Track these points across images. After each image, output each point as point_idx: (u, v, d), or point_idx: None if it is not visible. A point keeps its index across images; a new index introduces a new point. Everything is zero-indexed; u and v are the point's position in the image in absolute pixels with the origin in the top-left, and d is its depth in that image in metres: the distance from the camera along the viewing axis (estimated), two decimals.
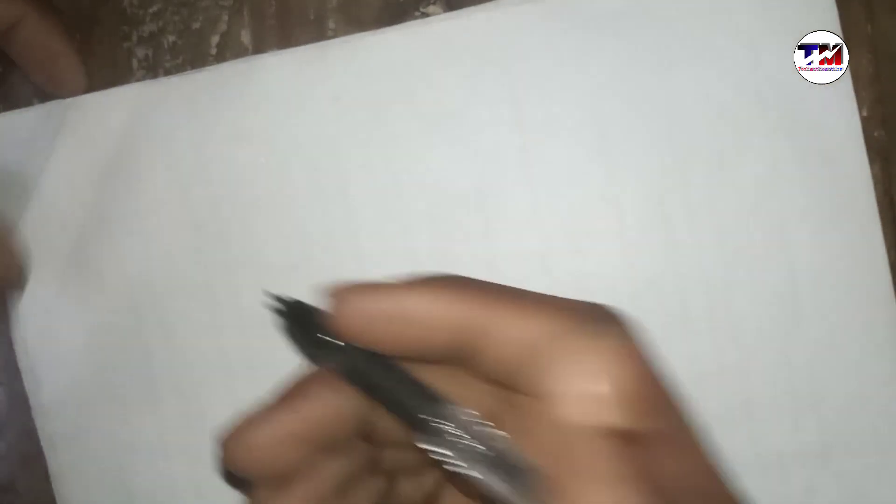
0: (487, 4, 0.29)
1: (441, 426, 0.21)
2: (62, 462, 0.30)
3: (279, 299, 0.24)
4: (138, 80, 0.30)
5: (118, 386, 0.30)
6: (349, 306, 0.22)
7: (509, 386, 0.21)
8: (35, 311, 0.30)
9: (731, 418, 0.29)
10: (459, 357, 0.21)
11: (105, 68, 0.30)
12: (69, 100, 0.29)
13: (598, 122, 0.29)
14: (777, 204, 0.29)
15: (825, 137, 0.29)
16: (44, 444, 0.30)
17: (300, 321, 0.23)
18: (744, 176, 0.29)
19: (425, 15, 0.30)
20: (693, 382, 0.29)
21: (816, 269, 0.29)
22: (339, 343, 0.22)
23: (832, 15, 0.28)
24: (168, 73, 0.30)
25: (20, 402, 0.30)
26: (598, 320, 0.21)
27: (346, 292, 0.22)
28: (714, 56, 0.29)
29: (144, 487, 0.30)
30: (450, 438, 0.21)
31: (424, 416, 0.21)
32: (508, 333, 0.21)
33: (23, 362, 0.30)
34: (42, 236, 0.29)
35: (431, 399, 0.21)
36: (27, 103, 0.30)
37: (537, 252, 0.29)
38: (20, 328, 0.30)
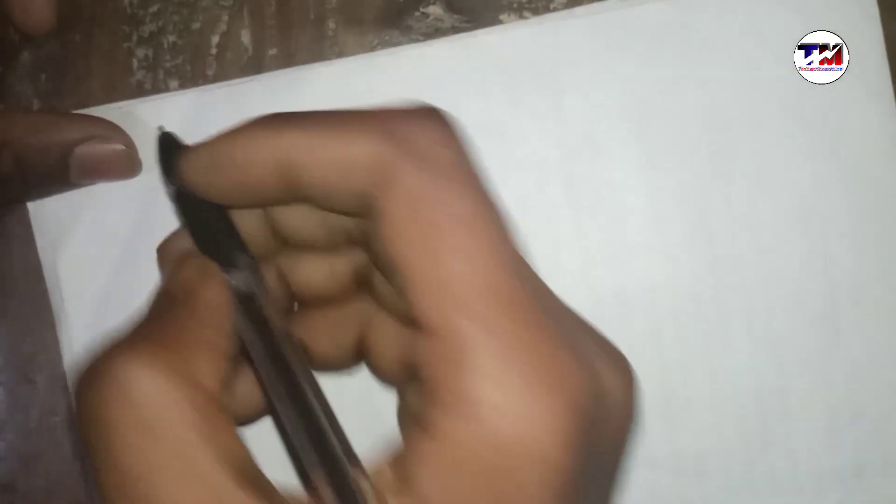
0: (534, 19, 0.29)
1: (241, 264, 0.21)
2: None
3: (161, 128, 0.24)
4: (139, 80, 0.30)
5: None
6: (185, 162, 0.22)
7: (354, 213, 0.20)
8: (82, 311, 0.30)
9: (767, 435, 0.29)
10: (296, 192, 0.20)
11: (105, 68, 0.30)
12: (119, 108, 0.29)
13: (640, 137, 0.29)
14: (819, 221, 0.29)
15: (868, 154, 0.29)
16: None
17: (169, 156, 0.23)
18: (785, 192, 0.29)
19: (425, 15, 0.30)
20: (731, 399, 0.29)
21: (856, 287, 0.29)
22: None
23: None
24: (168, 73, 0.30)
25: (20, 402, 0.30)
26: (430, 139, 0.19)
27: (191, 148, 0.22)
28: (757, 71, 0.29)
29: None
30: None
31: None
32: (326, 154, 0.19)
33: (68, 361, 0.30)
34: (91, 240, 0.29)
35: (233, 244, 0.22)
36: (27, 103, 0.30)
37: (579, 266, 0.29)
38: (67, 327, 0.30)
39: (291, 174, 0.20)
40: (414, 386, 0.21)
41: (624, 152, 0.29)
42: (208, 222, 0.22)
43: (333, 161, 0.19)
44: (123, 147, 0.28)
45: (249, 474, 0.18)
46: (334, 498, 0.18)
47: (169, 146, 0.24)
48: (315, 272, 0.24)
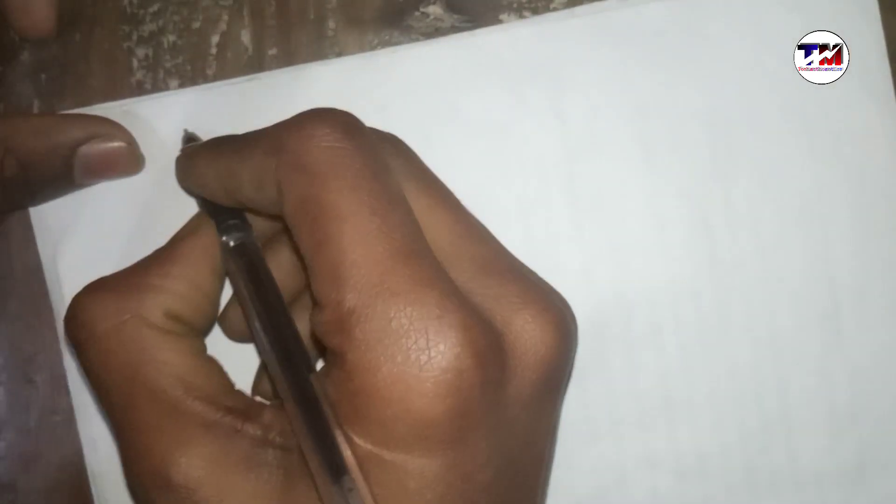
0: (534, 19, 0.29)
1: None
2: (102, 463, 0.30)
3: (185, 131, 0.28)
4: (139, 79, 0.30)
5: None
6: (175, 168, 0.27)
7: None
8: None
9: (768, 435, 0.29)
10: (242, 205, 0.24)
11: (105, 68, 0.30)
12: (120, 107, 0.29)
13: (641, 137, 0.29)
14: (820, 221, 0.29)
15: (870, 154, 0.29)
16: (84, 445, 0.30)
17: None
18: (786, 192, 0.29)
19: (425, 15, 0.30)
20: (732, 398, 0.29)
21: (858, 287, 0.29)
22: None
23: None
24: (168, 73, 0.30)
25: (20, 402, 0.30)
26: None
27: (177, 157, 0.27)
28: (757, 71, 0.29)
29: None
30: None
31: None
32: (242, 174, 0.23)
33: (68, 361, 0.30)
34: (91, 240, 0.29)
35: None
36: (27, 103, 0.30)
37: (579, 265, 0.29)
38: None
39: (231, 194, 0.24)
40: None
41: (624, 152, 0.29)
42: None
43: (246, 181, 0.23)
44: (126, 144, 0.28)
45: (199, 384, 0.23)
46: (294, 397, 0.21)
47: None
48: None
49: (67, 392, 0.30)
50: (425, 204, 0.23)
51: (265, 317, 0.23)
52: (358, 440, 0.20)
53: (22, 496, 0.31)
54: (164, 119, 0.29)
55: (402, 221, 0.21)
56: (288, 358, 0.22)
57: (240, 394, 0.24)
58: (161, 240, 0.26)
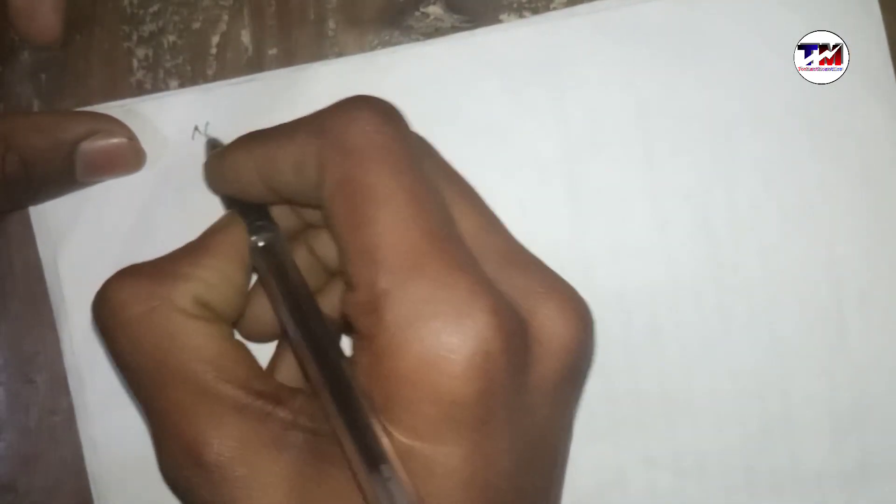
0: (534, 18, 0.29)
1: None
2: (103, 464, 0.30)
3: (208, 136, 0.29)
4: (139, 79, 0.30)
5: None
6: (204, 173, 0.28)
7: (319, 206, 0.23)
8: (83, 310, 0.29)
9: (769, 437, 0.29)
10: (278, 195, 0.25)
11: (105, 68, 0.30)
12: (121, 107, 0.29)
13: (642, 137, 0.29)
14: (822, 221, 0.29)
15: (873, 154, 0.29)
16: (84, 445, 0.30)
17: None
18: (789, 192, 0.29)
19: (425, 15, 0.30)
20: (732, 399, 0.29)
21: (861, 288, 0.29)
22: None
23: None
24: (168, 73, 0.30)
25: (20, 402, 0.30)
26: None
27: (205, 162, 0.28)
28: (759, 70, 0.29)
29: None
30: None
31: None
32: (281, 161, 0.23)
33: (68, 361, 0.30)
34: (91, 240, 0.29)
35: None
36: (27, 104, 0.30)
37: (579, 265, 0.29)
38: (67, 327, 0.30)
39: (269, 182, 0.24)
40: None
41: (625, 152, 0.29)
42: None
43: (287, 165, 0.23)
44: (127, 140, 0.28)
45: (229, 368, 0.23)
46: (329, 391, 0.22)
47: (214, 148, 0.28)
48: (329, 246, 0.27)
49: (67, 392, 0.30)
50: (449, 197, 0.23)
51: (297, 313, 0.23)
52: (389, 427, 0.21)
53: (22, 496, 0.31)
54: (164, 119, 0.29)
55: (437, 207, 0.22)
56: (322, 353, 0.23)
57: (269, 377, 0.24)
58: (162, 239, 0.26)
